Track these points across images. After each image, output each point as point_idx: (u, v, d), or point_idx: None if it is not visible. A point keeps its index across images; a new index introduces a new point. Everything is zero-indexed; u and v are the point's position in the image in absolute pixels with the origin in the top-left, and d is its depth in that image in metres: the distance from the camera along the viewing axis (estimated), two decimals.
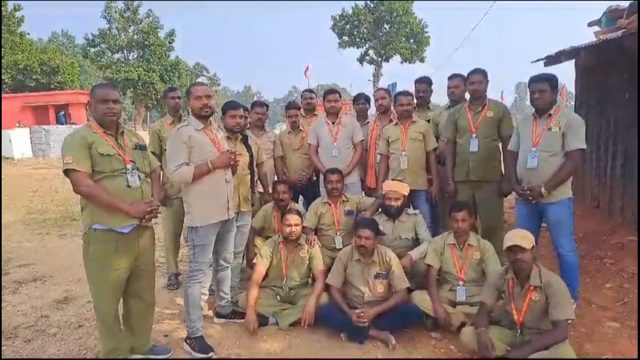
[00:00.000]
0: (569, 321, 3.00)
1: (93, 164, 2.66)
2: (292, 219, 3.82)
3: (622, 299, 3.81)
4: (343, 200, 4.34)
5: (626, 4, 5.60)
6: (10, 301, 4.16)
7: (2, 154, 17.97)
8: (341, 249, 3.96)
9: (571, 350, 2.75)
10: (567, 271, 3.47)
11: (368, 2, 38.21)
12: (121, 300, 2.94)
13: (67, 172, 2.63)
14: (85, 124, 2.84)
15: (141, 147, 2.95)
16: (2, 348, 3.28)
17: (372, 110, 5.50)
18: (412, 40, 38.69)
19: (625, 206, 5.48)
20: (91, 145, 2.65)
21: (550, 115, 3.46)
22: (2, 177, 11.50)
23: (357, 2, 38.46)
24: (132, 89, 34.76)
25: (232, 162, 3.28)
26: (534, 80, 3.51)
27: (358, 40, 39.32)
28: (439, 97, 5.46)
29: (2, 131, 19.25)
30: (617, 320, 3.46)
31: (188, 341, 3.25)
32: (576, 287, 3.53)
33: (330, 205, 4.31)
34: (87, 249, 2.74)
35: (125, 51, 35.58)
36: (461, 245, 3.61)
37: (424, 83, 4.84)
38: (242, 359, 3.16)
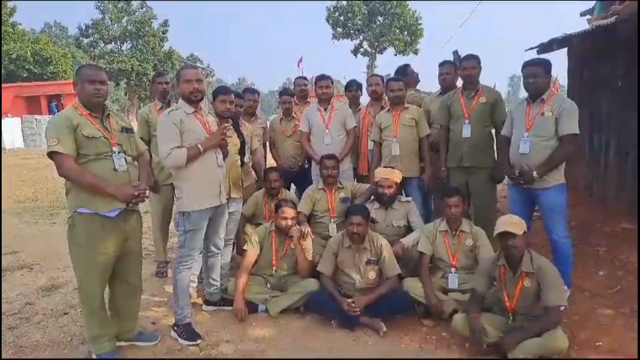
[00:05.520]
0: (562, 307, 2.97)
1: (78, 147, 2.60)
2: (289, 212, 3.75)
3: (615, 286, 3.78)
4: (338, 187, 4.28)
5: None
6: None
7: None
8: None
9: (564, 336, 2.71)
10: (560, 258, 3.44)
11: None
12: (107, 286, 2.89)
13: (51, 154, 2.58)
14: (70, 105, 2.76)
15: (128, 130, 2.89)
16: None
17: (365, 98, 5.45)
18: (405, 32, 38.58)
19: (619, 194, 5.45)
20: (76, 128, 2.59)
21: (543, 100, 3.42)
22: None
23: None
24: (125, 80, 34.54)
25: (222, 141, 3.21)
26: (528, 64, 3.47)
27: (352, 32, 39.18)
28: (430, 86, 5.50)
29: None
30: (611, 308, 3.42)
31: (176, 328, 3.19)
32: (569, 274, 3.49)
33: (325, 191, 4.25)
34: (72, 233, 2.70)
35: (118, 42, 35.36)
36: (454, 232, 3.56)
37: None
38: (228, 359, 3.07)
